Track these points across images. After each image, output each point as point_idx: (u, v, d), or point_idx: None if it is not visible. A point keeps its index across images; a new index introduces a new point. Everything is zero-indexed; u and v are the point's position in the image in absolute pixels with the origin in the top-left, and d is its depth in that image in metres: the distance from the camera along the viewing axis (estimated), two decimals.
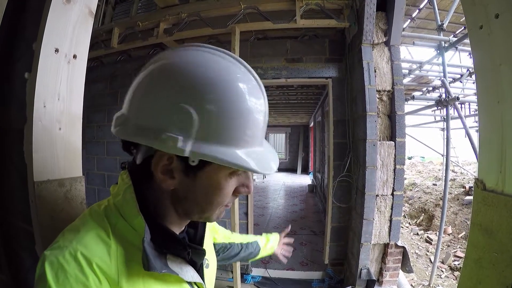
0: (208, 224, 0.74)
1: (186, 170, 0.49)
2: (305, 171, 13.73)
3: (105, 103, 4.40)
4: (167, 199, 0.54)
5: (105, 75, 4.47)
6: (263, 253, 1.15)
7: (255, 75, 0.52)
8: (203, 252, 0.61)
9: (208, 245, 0.75)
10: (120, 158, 4.12)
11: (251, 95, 0.48)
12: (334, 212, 3.20)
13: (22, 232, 0.80)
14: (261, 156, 0.50)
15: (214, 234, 0.99)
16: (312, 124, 10.76)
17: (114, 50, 3.81)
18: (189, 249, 0.57)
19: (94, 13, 0.96)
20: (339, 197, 3.16)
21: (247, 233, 3.38)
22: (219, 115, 0.44)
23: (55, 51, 0.83)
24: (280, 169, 14.64)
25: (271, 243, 1.19)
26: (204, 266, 0.66)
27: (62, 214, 0.82)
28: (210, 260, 0.74)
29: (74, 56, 0.88)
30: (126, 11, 3.77)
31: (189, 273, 0.56)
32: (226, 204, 0.56)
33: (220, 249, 1.01)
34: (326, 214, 3.38)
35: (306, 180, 11.49)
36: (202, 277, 0.63)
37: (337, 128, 3.20)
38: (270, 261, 3.74)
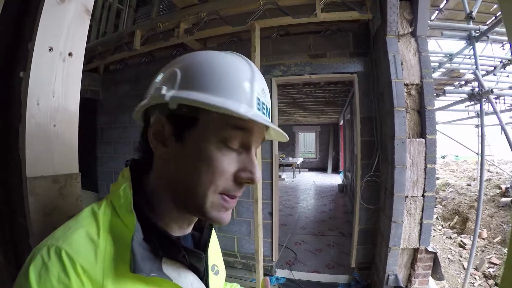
0: (214, 236, 0.72)
1: (176, 133, 0.49)
2: (335, 170, 13.47)
3: (131, 105, 4.50)
4: (164, 186, 0.53)
5: (130, 77, 4.58)
6: None
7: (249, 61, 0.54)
8: (202, 256, 0.56)
9: (215, 252, 0.72)
10: None
11: (235, 61, 0.52)
12: (361, 214, 3.07)
13: (22, 227, 0.81)
14: (247, 108, 0.49)
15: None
16: (341, 122, 10.57)
17: (137, 52, 3.88)
18: (184, 252, 0.52)
19: (91, 11, 0.97)
20: (367, 198, 3.03)
21: (271, 234, 3.34)
22: (199, 65, 0.49)
23: (49, 49, 0.84)
24: (310, 168, 14.64)
25: None
26: (212, 272, 0.64)
27: (56, 210, 0.83)
28: (220, 267, 0.71)
29: (70, 54, 0.89)
30: (147, 13, 3.83)
31: (188, 279, 0.53)
32: (225, 192, 0.50)
33: None
34: (354, 215, 3.26)
35: (336, 179, 11.27)
36: (207, 284, 0.60)
37: (364, 126, 3.07)
38: (295, 262, 3.67)
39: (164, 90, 0.47)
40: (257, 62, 2.84)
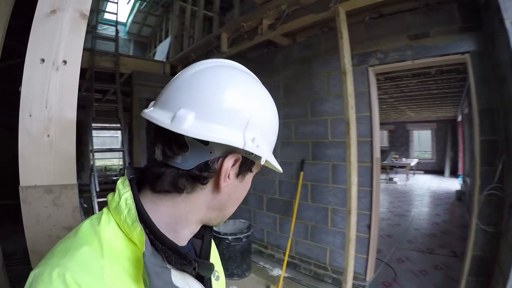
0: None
1: (239, 172, 0.52)
2: (453, 173, 11.10)
3: None
4: (200, 209, 0.53)
5: None
6: None
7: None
8: (211, 267, 0.56)
9: (214, 256, 0.70)
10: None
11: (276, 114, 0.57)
12: (477, 236, 2.22)
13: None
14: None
15: None
16: (460, 118, 8.56)
17: (226, 55, 3.91)
18: (195, 264, 0.50)
19: (88, 14, 0.94)
20: (486, 216, 2.16)
21: (368, 249, 2.79)
22: (267, 122, 0.53)
23: (41, 61, 0.86)
24: (426, 171, 12.77)
25: None
26: (214, 278, 0.63)
27: (49, 219, 0.86)
28: (220, 272, 0.70)
29: (64, 62, 0.88)
30: (233, 17, 3.83)
31: None
32: None
33: None
34: (468, 237, 2.40)
35: (454, 184, 9.46)
36: None
37: (483, 121, 2.21)
38: (393, 283, 3.01)
39: (257, 142, 0.49)
40: (346, 50, 2.41)
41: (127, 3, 8.55)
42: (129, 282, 0.44)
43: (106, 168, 10.01)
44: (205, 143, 0.47)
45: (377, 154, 2.79)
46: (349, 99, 2.38)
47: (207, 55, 4.42)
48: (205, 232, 0.63)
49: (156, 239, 0.47)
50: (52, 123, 0.86)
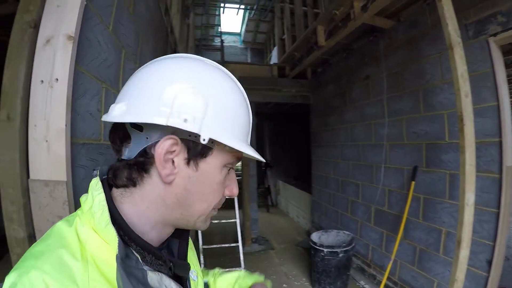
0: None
1: (189, 159, 0.49)
2: None
3: (335, 105, 4.29)
4: (156, 203, 0.51)
5: (332, 76, 4.39)
6: None
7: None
8: (187, 267, 0.58)
9: (191, 256, 0.69)
10: (354, 163, 3.83)
11: (243, 99, 0.56)
12: None
13: None
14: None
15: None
16: None
17: (324, 49, 3.60)
18: (170, 264, 0.51)
19: (74, 35, 1.07)
20: None
21: None
22: (225, 106, 0.51)
23: (41, 82, 1.02)
24: None
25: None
26: (191, 278, 0.63)
27: (47, 207, 1.01)
28: (198, 270, 0.69)
29: (56, 80, 1.03)
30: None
31: None
32: (217, 206, 0.57)
33: None
34: None
35: None
36: None
37: None
38: None
39: (191, 119, 0.46)
40: (449, 15, 1.78)
41: (237, 14, 9.16)
42: (105, 284, 0.43)
43: None
44: (140, 129, 0.48)
45: (509, 160, 1.91)
46: (461, 82, 1.72)
47: (309, 52, 4.19)
48: (182, 231, 0.63)
49: (130, 240, 0.47)
50: (49, 131, 1.02)
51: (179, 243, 0.63)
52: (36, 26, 1.06)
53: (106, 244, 0.46)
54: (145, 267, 0.47)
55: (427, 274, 2.48)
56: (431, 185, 2.47)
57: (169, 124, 0.45)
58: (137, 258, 0.47)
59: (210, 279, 0.89)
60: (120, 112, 0.48)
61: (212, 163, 0.51)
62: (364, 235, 3.45)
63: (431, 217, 2.45)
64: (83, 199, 0.51)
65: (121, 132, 0.50)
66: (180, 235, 0.63)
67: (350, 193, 3.87)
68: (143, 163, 0.49)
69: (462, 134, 1.73)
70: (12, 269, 0.42)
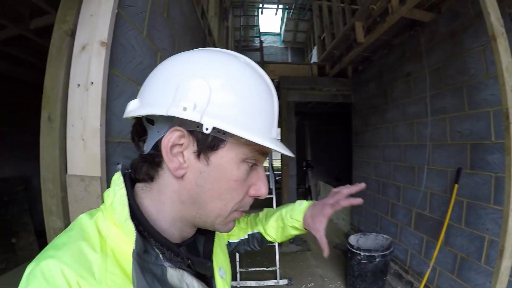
0: (219, 236, 0.73)
1: (199, 151, 0.46)
2: None
3: (377, 104, 4.15)
4: (171, 199, 0.50)
5: (373, 74, 4.25)
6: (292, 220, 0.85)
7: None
8: (207, 265, 0.56)
9: (220, 253, 0.69)
10: (395, 164, 3.67)
11: (264, 90, 0.50)
12: None
13: None
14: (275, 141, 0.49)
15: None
16: None
17: (364, 46, 3.49)
18: (189, 261, 0.51)
19: (106, 41, 1.14)
20: None
21: None
22: (233, 95, 0.47)
23: (78, 85, 1.12)
24: None
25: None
26: (219, 275, 0.61)
27: (82, 201, 1.10)
28: (227, 268, 0.68)
29: (91, 83, 1.12)
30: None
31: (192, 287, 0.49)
32: (242, 208, 0.53)
33: (246, 243, 0.90)
34: None
35: None
36: None
37: None
38: None
39: (192, 107, 0.44)
40: (490, 3, 1.64)
41: (275, 14, 9.12)
42: (122, 277, 0.43)
43: None
44: (152, 123, 0.48)
45: None
46: (507, 77, 1.57)
47: (348, 50, 4.08)
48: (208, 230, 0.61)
49: (150, 235, 0.48)
50: (85, 130, 1.11)
51: (204, 240, 0.61)
52: (72, 34, 1.14)
53: (126, 239, 0.45)
54: (165, 264, 0.46)
55: (466, 284, 2.30)
56: (475, 189, 2.28)
57: (169, 113, 0.43)
58: (157, 254, 0.46)
59: (260, 228, 0.90)
60: (133, 107, 0.49)
61: (226, 157, 0.47)
62: (403, 239, 3.28)
63: (474, 223, 2.26)
64: (106, 194, 0.51)
65: (139, 128, 0.51)
66: (206, 232, 0.61)
67: (391, 195, 3.70)
68: (154, 157, 0.48)
69: (508, 134, 1.59)
70: (34, 259, 0.42)
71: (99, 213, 0.49)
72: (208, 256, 0.60)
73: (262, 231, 0.89)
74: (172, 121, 0.46)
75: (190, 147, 0.46)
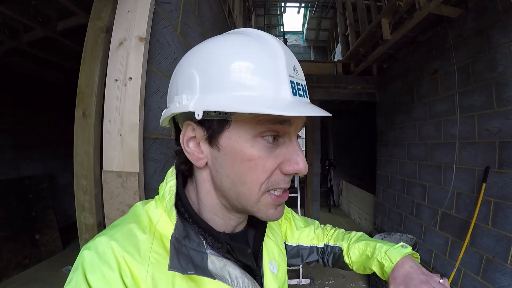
0: (277, 230, 0.72)
1: (209, 138, 0.46)
2: None
3: (403, 102, 4.07)
4: (206, 191, 0.52)
5: (399, 72, 4.17)
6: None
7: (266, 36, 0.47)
8: (247, 252, 0.52)
9: (272, 247, 0.66)
10: (421, 162, 3.61)
11: (255, 45, 0.45)
12: None
13: None
14: (274, 98, 0.42)
15: (286, 231, 0.82)
16: None
17: (390, 43, 3.46)
18: (227, 246, 0.49)
19: (145, 36, 1.14)
20: None
21: None
22: (216, 61, 0.44)
23: (115, 81, 1.12)
24: None
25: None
26: (270, 269, 0.60)
27: (119, 197, 1.08)
28: (281, 263, 0.65)
29: (130, 78, 1.11)
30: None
31: (234, 276, 0.49)
32: (273, 188, 0.47)
33: (320, 253, 0.84)
34: None
35: None
36: (261, 281, 0.57)
37: None
38: None
39: (185, 100, 0.44)
40: None
41: (298, 13, 9.03)
42: (165, 257, 0.45)
43: None
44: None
45: None
46: None
47: (373, 47, 4.03)
48: (259, 221, 0.60)
49: (194, 222, 0.50)
50: (123, 126, 1.10)
51: (255, 232, 0.61)
52: (108, 31, 1.15)
53: (171, 224, 0.47)
54: (208, 251, 0.48)
55: (491, 286, 2.24)
56: (504, 188, 2.22)
57: (171, 112, 0.48)
58: (201, 240, 0.48)
59: (344, 244, 0.80)
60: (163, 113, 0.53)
61: (234, 137, 0.45)
62: (427, 240, 3.22)
63: (502, 224, 2.20)
64: (160, 185, 0.54)
65: (174, 128, 0.55)
66: (258, 225, 0.61)
67: (416, 195, 3.63)
68: (181, 152, 0.51)
69: None
70: (96, 236, 0.47)
71: (152, 201, 0.53)
72: (257, 248, 0.59)
73: (345, 248, 0.79)
74: (183, 118, 0.48)
75: (202, 137, 0.47)
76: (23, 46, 3.11)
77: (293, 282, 3.46)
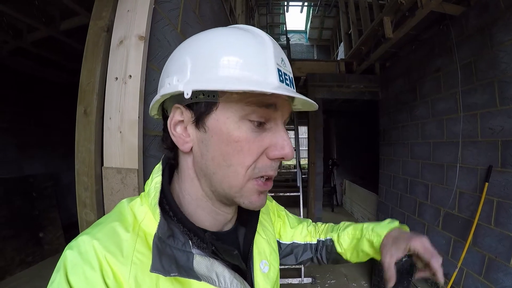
0: (264, 217, 0.71)
1: (196, 120, 0.47)
2: None
3: (405, 100, 4.05)
4: (191, 179, 0.51)
5: (401, 70, 4.14)
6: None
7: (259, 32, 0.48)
8: (234, 253, 0.50)
9: (264, 246, 0.64)
10: (423, 162, 3.59)
11: (243, 34, 0.47)
12: None
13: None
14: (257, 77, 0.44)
15: (280, 229, 0.81)
16: None
17: (392, 42, 3.44)
18: (213, 247, 0.48)
19: (144, 35, 1.15)
20: None
21: None
22: (208, 47, 0.46)
23: (115, 79, 1.14)
24: None
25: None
26: (260, 269, 0.58)
27: (119, 193, 1.10)
28: (272, 263, 0.63)
29: (130, 76, 1.13)
30: None
31: (221, 276, 0.48)
32: (258, 175, 0.47)
33: (313, 250, 0.82)
34: None
35: None
36: (252, 281, 0.56)
37: None
38: None
39: (175, 81, 0.45)
40: None
41: (301, 12, 9.02)
42: (149, 257, 0.44)
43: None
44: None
45: None
46: None
47: (376, 46, 4.01)
48: (250, 219, 0.60)
49: (178, 221, 0.48)
50: (123, 123, 1.11)
51: (245, 231, 0.60)
52: (109, 30, 1.15)
53: (155, 222, 0.46)
54: (194, 251, 0.46)
55: (493, 286, 2.22)
56: (506, 187, 2.20)
57: (161, 94, 0.48)
58: (186, 240, 0.46)
59: (333, 235, 0.79)
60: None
61: (221, 118, 0.45)
62: (430, 239, 3.17)
63: (504, 223, 2.18)
64: (147, 182, 0.53)
65: (163, 120, 0.55)
66: (248, 223, 0.60)
67: (419, 195, 3.61)
68: (167, 138, 0.52)
69: None
70: (79, 235, 0.45)
71: (138, 199, 0.52)
72: (248, 247, 0.58)
73: (335, 238, 0.79)
74: (171, 102, 0.49)
75: (190, 120, 0.47)
76: (27, 45, 3.13)
77: (295, 281, 3.45)
